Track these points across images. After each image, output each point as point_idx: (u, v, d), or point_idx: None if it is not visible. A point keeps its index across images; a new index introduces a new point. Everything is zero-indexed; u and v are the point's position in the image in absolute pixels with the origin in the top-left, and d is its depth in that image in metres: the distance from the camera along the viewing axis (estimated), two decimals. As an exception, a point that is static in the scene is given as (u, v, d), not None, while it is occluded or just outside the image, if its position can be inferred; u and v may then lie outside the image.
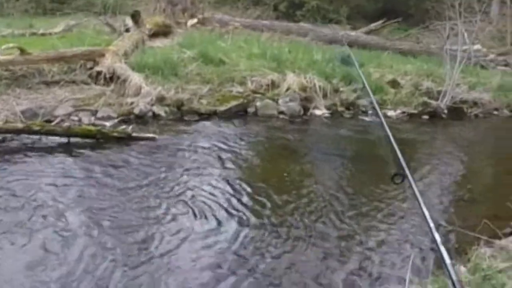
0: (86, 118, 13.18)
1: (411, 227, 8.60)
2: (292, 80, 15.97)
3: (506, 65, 23.79)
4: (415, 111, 16.42)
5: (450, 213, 9.42)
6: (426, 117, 16.33)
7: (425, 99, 16.84)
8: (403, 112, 16.31)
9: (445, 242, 8.04)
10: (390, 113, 16.17)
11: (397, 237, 8.27)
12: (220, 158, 11.31)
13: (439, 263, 7.21)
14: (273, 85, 15.96)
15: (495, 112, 17.74)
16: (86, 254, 7.14)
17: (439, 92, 16.96)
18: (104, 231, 7.81)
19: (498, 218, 8.21)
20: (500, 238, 6.88)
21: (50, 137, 11.52)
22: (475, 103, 17.50)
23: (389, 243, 8.05)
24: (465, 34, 18.74)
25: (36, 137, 11.47)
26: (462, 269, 5.94)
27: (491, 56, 24.21)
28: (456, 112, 16.79)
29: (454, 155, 12.91)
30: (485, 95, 17.89)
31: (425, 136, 14.75)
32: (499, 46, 27.10)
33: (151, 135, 12.21)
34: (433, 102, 16.68)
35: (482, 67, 22.09)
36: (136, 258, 7.13)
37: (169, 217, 8.42)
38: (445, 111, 16.57)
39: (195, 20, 24.75)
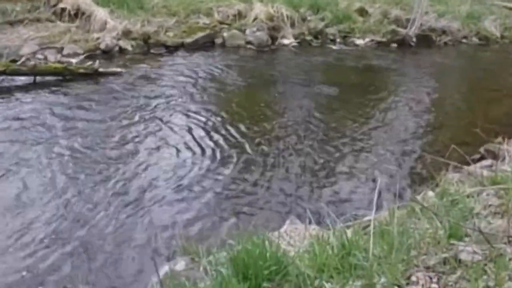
0: (52, 56, 12.95)
1: (380, 155, 8.66)
2: (259, 9, 15.82)
3: (475, -7, 23.68)
4: (384, 39, 16.42)
5: (420, 139, 9.52)
6: (394, 45, 16.34)
7: (394, 27, 16.83)
8: (372, 40, 16.30)
9: (414, 168, 8.16)
10: (359, 41, 16.16)
11: (366, 164, 8.33)
12: (189, 90, 11.27)
13: (406, 190, 7.39)
14: (240, 15, 15.85)
15: (464, 40, 17.76)
16: (67, 181, 7.29)
17: (407, 20, 16.94)
18: (84, 161, 7.90)
19: (467, 144, 8.29)
20: (468, 164, 6.89)
21: (16, 77, 11.29)
22: (443, 31, 17.50)
23: (359, 170, 8.12)
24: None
25: (1, 77, 11.20)
26: (430, 193, 5.96)
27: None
28: (425, 40, 16.79)
29: (423, 82, 12.96)
30: (454, 23, 17.88)
31: (394, 64, 14.75)
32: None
33: (118, 69, 12.10)
34: (402, 30, 16.68)
35: (452, -5, 22.01)
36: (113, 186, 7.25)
37: (144, 149, 8.46)
38: (414, 39, 16.57)
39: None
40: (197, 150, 8.47)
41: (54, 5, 15.00)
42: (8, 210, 6.55)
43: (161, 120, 9.57)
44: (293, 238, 4.89)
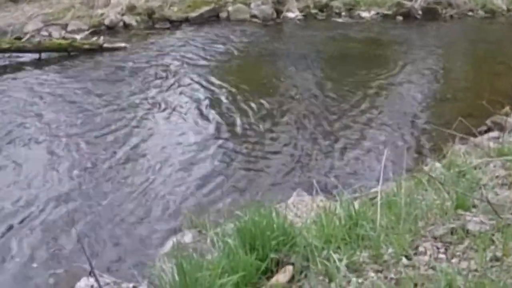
0: (56, 32, 13.04)
1: (387, 127, 8.64)
2: (264, -17, 15.72)
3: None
4: (389, 12, 16.31)
5: (426, 111, 9.50)
6: (400, 18, 16.23)
7: (399, -1, 16.69)
8: (377, 13, 16.21)
9: (421, 140, 8.14)
10: (364, 14, 16.07)
11: (373, 136, 8.32)
12: (194, 63, 11.32)
13: (413, 161, 7.38)
14: (245, -12, 15.73)
15: (470, 13, 17.56)
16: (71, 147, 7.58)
17: (413, -7, 16.79)
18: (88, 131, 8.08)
19: (474, 116, 8.25)
20: (475, 136, 6.86)
21: (21, 54, 11.36)
22: (449, 4, 17.31)
23: (366, 142, 8.12)
24: None
25: (6, 55, 11.29)
26: (437, 165, 5.94)
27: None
28: (431, 13, 16.65)
29: (429, 55, 12.89)
30: (460, -5, 17.70)
31: (400, 37, 14.65)
32: None
33: (122, 44, 12.13)
34: (407, 3, 16.55)
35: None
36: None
37: (148, 120, 8.62)
38: (420, 12, 16.45)
39: None
40: (203, 121, 8.57)
41: (58, -19, 15.00)
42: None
43: (165, 92, 9.72)
44: (300, 209, 4.89)
